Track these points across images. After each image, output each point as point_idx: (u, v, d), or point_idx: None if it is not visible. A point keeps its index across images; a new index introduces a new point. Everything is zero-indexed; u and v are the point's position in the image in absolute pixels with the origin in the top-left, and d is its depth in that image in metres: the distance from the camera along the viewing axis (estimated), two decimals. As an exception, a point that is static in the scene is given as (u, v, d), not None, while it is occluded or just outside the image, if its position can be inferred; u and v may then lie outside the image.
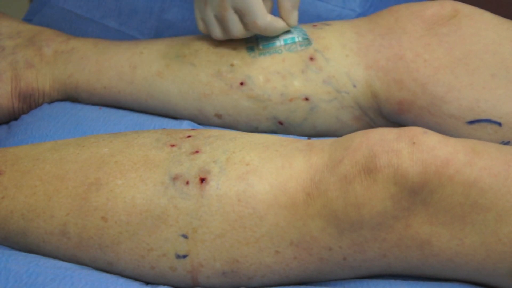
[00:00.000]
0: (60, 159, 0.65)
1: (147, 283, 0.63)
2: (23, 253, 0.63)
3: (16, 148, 0.69)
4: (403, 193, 0.58)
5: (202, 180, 0.61)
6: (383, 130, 0.61)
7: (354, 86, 0.82)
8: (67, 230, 0.62)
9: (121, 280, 0.61)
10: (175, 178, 0.61)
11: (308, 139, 0.82)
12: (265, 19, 0.80)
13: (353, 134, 0.63)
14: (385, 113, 0.83)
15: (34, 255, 0.63)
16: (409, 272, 0.62)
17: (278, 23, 0.82)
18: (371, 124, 0.85)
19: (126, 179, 0.62)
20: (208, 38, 0.89)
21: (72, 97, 0.89)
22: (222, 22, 0.82)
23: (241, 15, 0.81)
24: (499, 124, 0.77)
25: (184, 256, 0.60)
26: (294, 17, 0.83)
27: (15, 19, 0.94)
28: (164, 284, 0.62)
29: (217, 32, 0.84)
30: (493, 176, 0.59)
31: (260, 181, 0.61)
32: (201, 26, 0.86)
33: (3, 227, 0.64)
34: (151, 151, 0.65)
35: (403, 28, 0.82)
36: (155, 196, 0.61)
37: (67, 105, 0.87)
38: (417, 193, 0.58)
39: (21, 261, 0.61)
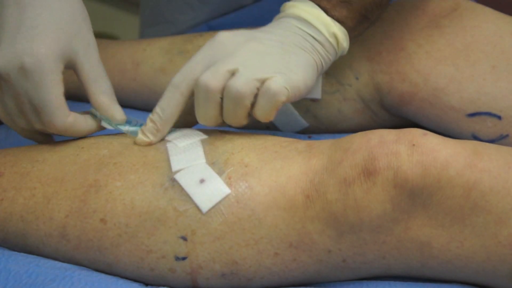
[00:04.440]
0: (60, 161, 0.65)
1: (146, 284, 0.63)
2: (23, 254, 0.63)
3: (16, 149, 0.69)
4: (402, 196, 0.58)
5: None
6: (382, 131, 0.61)
7: (357, 78, 0.82)
8: (66, 232, 0.62)
9: (121, 281, 0.62)
10: (174, 180, 0.61)
11: (309, 137, 0.82)
12: (64, 119, 0.65)
13: (352, 135, 0.62)
14: (387, 105, 0.83)
15: (34, 256, 0.63)
16: (409, 273, 0.62)
17: (83, 124, 0.67)
18: (373, 117, 0.84)
19: (125, 181, 0.62)
20: (210, 35, 0.88)
21: (74, 95, 0.89)
22: (22, 114, 0.67)
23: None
24: (499, 117, 0.77)
25: (184, 258, 0.60)
26: (118, 111, 0.68)
27: None
28: (164, 285, 0.62)
29: (21, 123, 0.67)
30: (493, 178, 0.58)
31: (259, 183, 0.60)
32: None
33: (2, 229, 0.64)
34: (150, 152, 0.64)
35: (405, 20, 0.82)
36: (154, 198, 0.61)
37: (67, 104, 0.87)
38: (416, 195, 0.58)
39: (21, 261, 0.61)
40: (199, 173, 0.61)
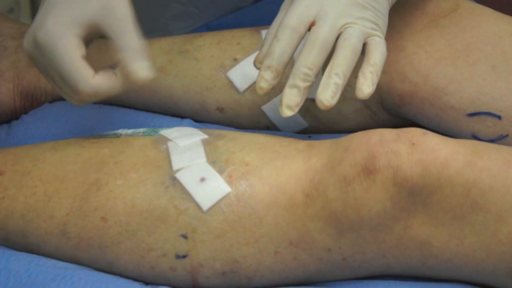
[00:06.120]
0: (61, 160, 0.65)
1: (147, 283, 0.63)
2: (23, 253, 0.63)
3: (17, 148, 0.69)
4: (402, 194, 0.58)
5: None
6: (382, 130, 0.61)
7: (357, 78, 0.82)
8: (67, 230, 0.62)
9: (121, 280, 0.62)
10: (175, 178, 0.61)
11: (309, 137, 0.82)
12: (88, 82, 0.62)
13: (352, 134, 0.62)
14: (387, 105, 0.82)
15: (35, 255, 0.63)
16: (409, 272, 0.62)
17: (110, 81, 0.63)
18: (372, 117, 0.84)
19: (126, 180, 0.62)
20: (210, 35, 0.88)
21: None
22: (57, 88, 0.66)
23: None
24: (499, 117, 0.77)
25: (184, 256, 0.60)
26: (137, 69, 0.63)
27: (18, 22, 0.94)
28: (164, 284, 0.62)
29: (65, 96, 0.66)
30: (492, 176, 0.58)
31: (260, 181, 0.61)
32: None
33: (3, 227, 0.64)
34: (151, 151, 0.65)
35: (404, 21, 0.82)
36: (155, 197, 0.61)
37: (67, 104, 0.86)
38: (416, 194, 0.58)
39: (21, 261, 0.61)
40: (200, 172, 0.61)
